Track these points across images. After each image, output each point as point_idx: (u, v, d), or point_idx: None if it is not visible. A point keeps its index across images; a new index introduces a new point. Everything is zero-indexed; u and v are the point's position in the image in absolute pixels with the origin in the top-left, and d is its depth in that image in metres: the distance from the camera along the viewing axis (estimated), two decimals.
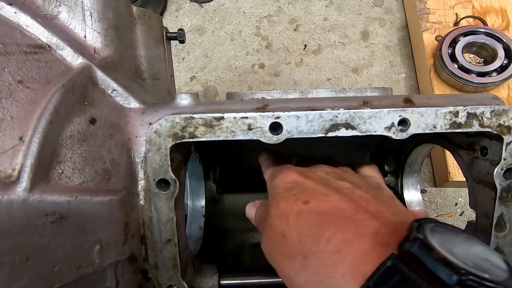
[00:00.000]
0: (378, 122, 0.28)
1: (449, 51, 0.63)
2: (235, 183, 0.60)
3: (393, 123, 0.28)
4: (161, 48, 0.47)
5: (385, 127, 0.28)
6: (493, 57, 0.62)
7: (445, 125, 0.28)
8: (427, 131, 0.28)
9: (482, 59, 0.67)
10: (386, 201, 0.26)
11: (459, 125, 0.28)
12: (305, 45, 0.85)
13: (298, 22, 0.87)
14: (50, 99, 0.25)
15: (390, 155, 0.53)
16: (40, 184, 0.22)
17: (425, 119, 0.28)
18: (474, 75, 0.61)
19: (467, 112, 0.28)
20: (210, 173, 0.51)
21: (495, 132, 0.29)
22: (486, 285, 0.16)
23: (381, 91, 0.40)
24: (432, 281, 0.17)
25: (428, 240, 0.18)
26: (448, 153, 0.60)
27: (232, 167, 0.60)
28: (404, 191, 0.50)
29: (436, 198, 0.66)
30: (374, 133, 0.28)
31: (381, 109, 0.28)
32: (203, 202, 0.49)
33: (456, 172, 0.58)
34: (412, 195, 0.50)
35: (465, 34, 0.64)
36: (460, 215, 0.66)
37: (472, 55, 0.68)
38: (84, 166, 0.25)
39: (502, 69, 0.61)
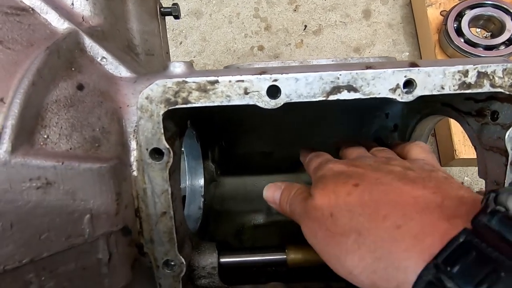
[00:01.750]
0: (382, 84, 0.26)
1: (455, 25, 0.61)
2: (235, 165, 0.59)
3: (398, 84, 0.26)
4: (155, 23, 0.45)
5: (390, 89, 0.27)
6: (501, 30, 0.60)
7: (453, 86, 0.27)
8: (434, 93, 0.27)
9: (489, 33, 0.64)
10: (444, 179, 0.24)
11: (469, 86, 0.27)
12: (305, 26, 0.83)
13: (298, 3, 0.85)
14: (33, 60, 0.23)
15: (394, 132, 0.52)
16: (23, 147, 0.21)
17: (432, 80, 0.27)
18: (481, 49, 0.59)
19: (477, 71, 0.26)
20: (208, 153, 0.49)
21: (507, 93, 0.27)
22: None
23: (384, 60, 0.38)
24: None
25: (511, 212, 0.16)
26: (454, 130, 0.58)
27: (231, 149, 0.59)
28: None
29: None
30: (377, 96, 0.27)
31: (385, 69, 0.26)
32: (201, 182, 0.48)
33: (462, 149, 0.57)
34: None
35: (472, 7, 0.61)
36: None
37: (479, 29, 0.65)
38: (71, 132, 0.24)
39: (510, 41, 0.58)
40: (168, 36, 0.89)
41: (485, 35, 0.65)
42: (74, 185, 0.23)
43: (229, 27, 0.86)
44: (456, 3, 0.63)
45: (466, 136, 0.58)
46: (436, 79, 0.27)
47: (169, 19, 0.50)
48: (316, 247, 0.25)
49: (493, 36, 0.63)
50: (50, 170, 0.22)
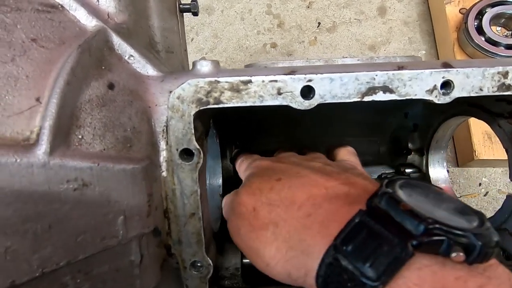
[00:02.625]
0: (419, 85, 0.26)
1: (476, 23, 0.60)
2: None
3: (435, 85, 0.26)
4: (174, 20, 0.45)
5: (427, 90, 0.26)
6: None
7: (492, 87, 0.26)
8: (472, 94, 0.26)
9: (510, 32, 0.63)
10: (357, 175, 0.25)
11: (508, 87, 0.26)
12: (319, 23, 0.82)
13: None
14: (66, 59, 0.23)
15: (414, 131, 0.51)
16: (61, 148, 0.20)
17: (471, 81, 0.26)
18: (503, 48, 0.58)
19: None
20: (227, 152, 0.49)
21: None
22: (453, 233, 0.16)
23: (411, 59, 0.37)
24: (399, 233, 0.17)
25: (397, 194, 0.18)
26: (473, 131, 0.57)
27: (246, 147, 0.58)
28: (429, 169, 0.48)
29: (459, 178, 0.64)
30: (414, 97, 0.26)
31: (422, 70, 0.26)
32: (220, 181, 0.47)
33: (482, 150, 0.56)
34: (438, 172, 0.48)
35: (493, 5, 0.60)
36: (485, 195, 0.63)
37: (499, 28, 0.64)
38: (104, 132, 0.23)
39: None
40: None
41: (505, 33, 0.64)
42: (108, 186, 0.22)
43: (241, 23, 0.85)
44: (477, 1, 0.61)
45: (486, 137, 0.58)
46: (474, 81, 0.26)
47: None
48: (239, 244, 0.26)
49: None
50: (87, 171, 0.21)
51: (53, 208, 0.20)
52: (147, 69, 0.30)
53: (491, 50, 0.58)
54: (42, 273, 0.20)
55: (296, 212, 0.22)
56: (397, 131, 0.54)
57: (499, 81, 0.26)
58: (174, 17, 0.45)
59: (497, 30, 0.64)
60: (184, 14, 0.49)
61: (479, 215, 0.18)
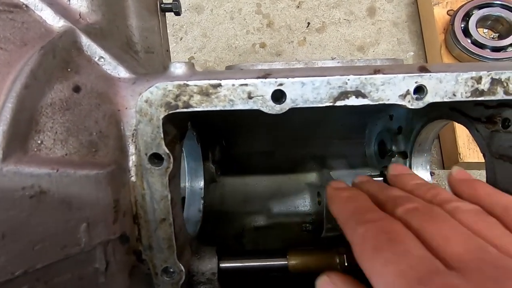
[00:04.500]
0: (392, 89, 0.25)
1: (462, 25, 0.60)
2: (235, 165, 0.58)
3: (408, 90, 0.25)
4: (155, 20, 0.44)
5: (400, 95, 0.26)
6: (509, 30, 0.58)
7: (466, 93, 0.26)
8: (445, 99, 0.26)
9: (497, 34, 0.63)
10: None
11: (482, 93, 0.26)
12: (308, 23, 0.81)
13: None
14: (26, 61, 0.22)
15: (399, 134, 0.51)
16: (16, 154, 0.20)
17: (444, 86, 0.25)
18: (489, 50, 0.57)
19: (491, 78, 0.25)
20: (208, 153, 0.48)
21: None
22: None
23: (391, 62, 0.37)
24: None
25: None
26: (458, 133, 0.57)
27: (231, 150, 0.58)
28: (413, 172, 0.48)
29: (445, 180, 0.64)
30: (387, 102, 0.26)
31: (395, 75, 0.25)
32: (201, 184, 0.47)
33: (467, 153, 0.56)
34: (421, 175, 0.48)
35: (480, 7, 0.60)
36: None
37: (486, 30, 0.64)
38: (67, 137, 0.23)
39: None
40: (168, 31, 0.88)
41: (492, 36, 0.64)
42: (70, 193, 0.22)
43: (231, 23, 0.84)
44: (464, 3, 0.61)
45: (471, 139, 0.58)
46: (448, 86, 0.26)
47: (169, 14, 0.49)
48: None
49: (500, 37, 0.62)
50: (44, 177, 0.21)
51: (7, 216, 0.19)
52: (119, 71, 0.29)
53: (477, 53, 0.58)
54: None
55: None
56: (382, 134, 0.54)
57: (472, 86, 0.26)
58: (155, 16, 0.44)
59: (484, 32, 0.64)
60: (174, 15, 0.49)
61: None
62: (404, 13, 0.78)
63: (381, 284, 0.17)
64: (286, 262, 0.36)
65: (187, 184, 0.46)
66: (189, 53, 0.83)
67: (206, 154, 0.48)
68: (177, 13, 0.47)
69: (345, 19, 0.80)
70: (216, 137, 0.52)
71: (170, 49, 0.89)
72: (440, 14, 0.65)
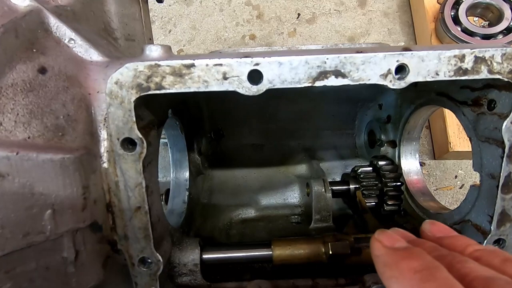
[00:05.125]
0: (372, 69, 0.24)
1: (452, 13, 0.59)
2: (224, 158, 0.57)
3: (389, 69, 0.24)
4: (135, 7, 0.43)
5: (381, 75, 0.25)
6: (499, 18, 0.58)
7: (449, 72, 0.25)
8: (428, 79, 0.25)
9: (487, 22, 0.62)
10: None
11: (465, 72, 0.25)
12: (299, 14, 0.80)
13: None
14: None
15: (388, 123, 0.50)
16: None
17: (426, 65, 0.25)
18: (479, 38, 0.57)
19: (475, 56, 0.25)
20: (194, 144, 0.47)
21: (506, 80, 0.25)
22: None
23: (377, 45, 0.36)
24: None
25: None
26: (448, 123, 0.57)
27: (221, 141, 0.57)
28: (401, 160, 0.47)
29: (435, 171, 0.64)
30: (367, 82, 0.25)
31: (375, 53, 0.24)
32: (186, 175, 0.46)
33: (457, 142, 0.55)
34: (410, 164, 0.47)
35: None
36: (460, 187, 0.63)
37: (476, 18, 0.63)
38: (30, 120, 0.22)
39: (508, 31, 0.56)
40: (156, 24, 0.86)
41: (482, 24, 0.63)
42: (32, 177, 0.21)
43: (220, 15, 0.83)
44: None
45: (461, 129, 0.57)
46: (430, 64, 0.25)
47: (157, 6, 0.47)
48: None
49: (490, 25, 0.61)
50: (3, 161, 0.19)
51: None
52: (91, 54, 0.28)
53: (467, 41, 0.57)
54: None
55: None
56: (372, 123, 0.53)
57: (455, 65, 0.25)
58: (135, 3, 0.43)
59: (474, 20, 0.63)
60: (162, 5, 0.47)
61: None
62: (395, 3, 0.77)
63: None
64: (271, 253, 0.35)
65: (172, 175, 0.45)
66: (178, 45, 0.82)
67: (191, 145, 0.46)
68: (159, 0, 0.46)
69: (335, 10, 0.79)
70: (203, 129, 0.51)
71: (159, 41, 0.88)
72: (430, 3, 0.65)
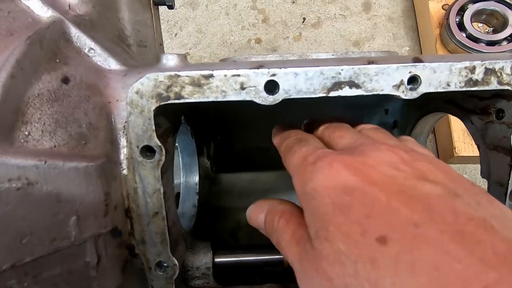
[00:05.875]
0: (385, 80, 0.25)
1: (457, 19, 0.60)
2: (231, 162, 0.57)
3: (402, 80, 0.25)
4: (147, 13, 0.43)
5: (393, 85, 0.25)
6: (504, 24, 0.58)
7: (460, 83, 0.26)
8: (439, 90, 0.25)
9: (491, 28, 0.63)
10: (500, 214, 0.16)
11: (476, 83, 0.26)
12: (304, 18, 0.81)
13: None
14: (12, 51, 0.22)
15: (394, 128, 0.51)
16: (1, 145, 0.19)
17: (438, 76, 0.25)
18: (483, 45, 0.58)
19: (485, 68, 0.25)
20: (203, 149, 0.48)
21: None
22: None
23: (386, 54, 0.37)
24: None
25: None
26: (453, 127, 0.57)
27: (227, 145, 0.57)
28: None
29: None
30: (380, 92, 0.25)
31: (389, 65, 0.25)
32: (196, 179, 0.47)
33: (462, 147, 0.56)
34: None
35: (474, 1, 0.60)
36: None
37: (481, 24, 0.64)
38: (55, 129, 0.22)
39: None
40: (162, 27, 0.87)
41: (487, 30, 0.64)
42: (58, 185, 0.21)
43: (226, 18, 0.83)
44: None
45: (466, 133, 0.58)
46: (442, 76, 0.25)
47: (163, 9, 0.48)
48: None
49: (495, 31, 0.62)
50: (32, 169, 0.20)
51: None
52: (109, 63, 0.29)
53: (472, 47, 0.58)
54: None
55: None
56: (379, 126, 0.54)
57: (466, 76, 0.25)
58: (147, 10, 0.43)
59: (478, 27, 0.64)
60: (167, 8, 0.48)
61: None
62: (399, 8, 0.78)
63: (291, 169, 0.22)
64: (282, 257, 0.36)
65: (182, 179, 0.46)
66: (184, 49, 0.82)
67: (201, 150, 0.47)
68: (170, 7, 0.47)
69: (340, 14, 0.80)
70: (212, 133, 0.52)
71: (165, 45, 0.89)
72: (435, 8, 0.65)
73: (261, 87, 0.25)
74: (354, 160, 0.19)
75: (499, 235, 0.14)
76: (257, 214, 0.25)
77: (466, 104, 0.33)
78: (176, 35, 0.84)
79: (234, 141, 0.56)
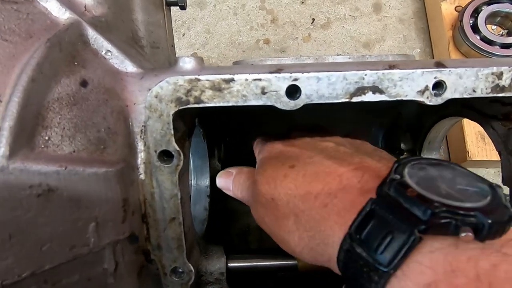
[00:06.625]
0: (410, 85, 0.25)
1: (471, 21, 0.59)
2: (240, 163, 0.57)
3: (427, 86, 0.25)
4: (160, 14, 0.43)
5: (418, 91, 0.25)
6: None
7: (486, 89, 0.25)
8: (465, 96, 0.25)
9: (506, 31, 0.62)
10: (370, 152, 0.26)
11: (502, 89, 0.25)
12: (313, 19, 0.80)
13: None
14: (32, 54, 0.21)
15: (407, 132, 0.50)
16: (23, 151, 0.19)
17: (464, 82, 0.25)
18: (498, 47, 0.57)
19: None
20: (214, 151, 0.48)
21: None
22: (459, 213, 0.16)
23: (403, 57, 0.36)
24: (407, 219, 0.17)
25: (405, 180, 0.18)
26: (466, 131, 0.57)
27: (236, 147, 0.57)
28: None
29: None
30: (404, 98, 0.25)
31: (413, 70, 0.24)
32: (207, 182, 0.46)
33: (475, 151, 0.55)
34: None
35: (489, 3, 0.59)
36: None
37: (495, 27, 0.63)
38: (75, 133, 0.22)
39: None
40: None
41: (501, 32, 0.63)
42: (78, 191, 0.21)
43: (234, 19, 0.83)
44: None
45: (479, 137, 0.57)
46: (467, 82, 0.25)
47: (171, 9, 0.48)
48: (266, 230, 0.27)
49: (509, 33, 0.61)
50: (53, 175, 0.20)
51: (14, 216, 0.18)
52: (126, 65, 0.28)
53: (486, 49, 0.57)
54: (2, 285, 0.18)
55: (313, 203, 0.22)
56: (390, 131, 0.54)
57: (493, 82, 0.25)
58: (160, 10, 0.43)
59: (492, 29, 0.63)
60: (176, 9, 0.48)
61: (493, 188, 0.18)
62: (410, 9, 0.77)
63: (256, 155, 0.34)
64: (296, 262, 0.35)
65: (192, 182, 0.46)
66: (192, 49, 0.82)
67: (212, 152, 0.47)
68: (183, 7, 0.46)
69: (350, 15, 0.79)
70: (222, 134, 0.51)
71: (174, 45, 0.88)
72: (447, 10, 0.64)
73: (283, 91, 0.24)
74: (288, 140, 0.30)
75: (356, 157, 0.24)
76: (226, 177, 0.33)
77: (487, 109, 0.32)
78: (184, 35, 0.84)
79: (244, 142, 0.56)
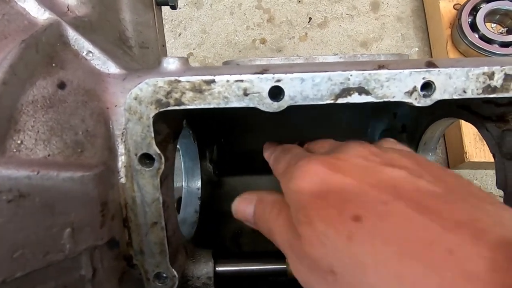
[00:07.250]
0: (397, 86, 0.24)
1: (469, 19, 0.58)
2: (234, 165, 0.56)
3: (415, 87, 0.24)
4: (150, 13, 0.42)
5: (406, 92, 0.24)
6: None
7: (477, 89, 0.24)
8: (455, 97, 0.24)
9: (505, 29, 0.61)
10: (461, 189, 0.17)
11: (494, 89, 0.24)
12: (310, 18, 0.79)
13: None
14: (5, 55, 0.21)
15: (403, 132, 0.49)
16: None
17: (454, 82, 0.24)
18: (497, 46, 0.55)
19: (505, 74, 0.24)
20: (206, 153, 0.47)
21: None
22: None
23: (396, 57, 0.35)
24: None
25: None
26: (464, 132, 0.55)
27: (230, 148, 0.56)
28: None
29: None
30: (392, 99, 0.24)
31: (401, 70, 0.23)
32: (198, 184, 0.46)
33: (473, 152, 0.54)
34: None
35: (488, 1, 0.58)
36: None
37: (494, 25, 0.62)
38: (50, 137, 0.21)
39: None
40: (166, 27, 0.86)
41: (500, 30, 0.61)
42: (52, 196, 0.20)
43: (230, 18, 0.82)
44: None
45: (477, 138, 0.56)
46: (457, 82, 0.24)
47: (167, 9, 0.47)
48: None
49: (509, 32, 0.60)
50: (24, 180, 0.19)
51: None
52: (108, 66, 0.28)
53: (485, 48, 0.56)
54: None
55: (400, 285, 0.14)
56: (386, 133, 0.53)
57: (484, 82, 0.24)
58: (150, 10, 0.42)
59: (492, 27, 0.61)
60: (170, 9, 0.47)
61: None
62: (408, 7, 0.76)
63: (278, 176, 0.24)
64: (285, 266, 0.35)
65: (183, 184, 0.45)
66: (188, 49, 0.81)
67: (203, 154, 0.46)
68: (173, 7, 0.45)
69: (347, 14, 0.78)
70: (214, 136, 0.51)
71: (169, 45, 0.87)
72: (446, 8, 0.63)
73: (265, 93, 0.23)
74: (328, 157, 0.21)
75: (458, 205, 0.16)
76: (245, 206, 0.25)
77: (482, 110, 0.32)
78: (180, 35, 0.83)
79: (238, 144, 0.55)
